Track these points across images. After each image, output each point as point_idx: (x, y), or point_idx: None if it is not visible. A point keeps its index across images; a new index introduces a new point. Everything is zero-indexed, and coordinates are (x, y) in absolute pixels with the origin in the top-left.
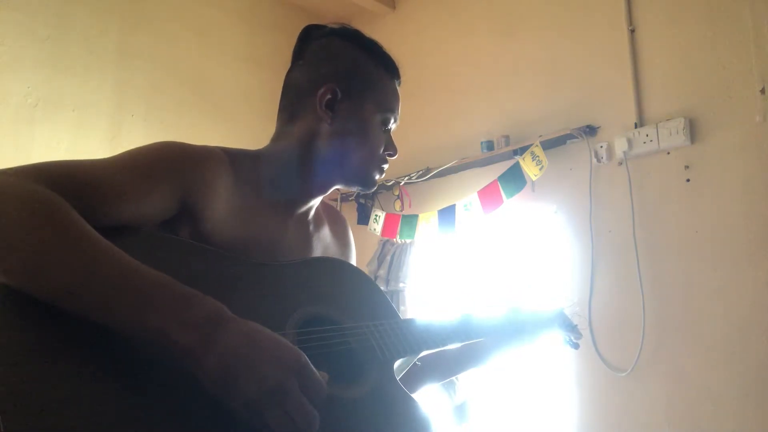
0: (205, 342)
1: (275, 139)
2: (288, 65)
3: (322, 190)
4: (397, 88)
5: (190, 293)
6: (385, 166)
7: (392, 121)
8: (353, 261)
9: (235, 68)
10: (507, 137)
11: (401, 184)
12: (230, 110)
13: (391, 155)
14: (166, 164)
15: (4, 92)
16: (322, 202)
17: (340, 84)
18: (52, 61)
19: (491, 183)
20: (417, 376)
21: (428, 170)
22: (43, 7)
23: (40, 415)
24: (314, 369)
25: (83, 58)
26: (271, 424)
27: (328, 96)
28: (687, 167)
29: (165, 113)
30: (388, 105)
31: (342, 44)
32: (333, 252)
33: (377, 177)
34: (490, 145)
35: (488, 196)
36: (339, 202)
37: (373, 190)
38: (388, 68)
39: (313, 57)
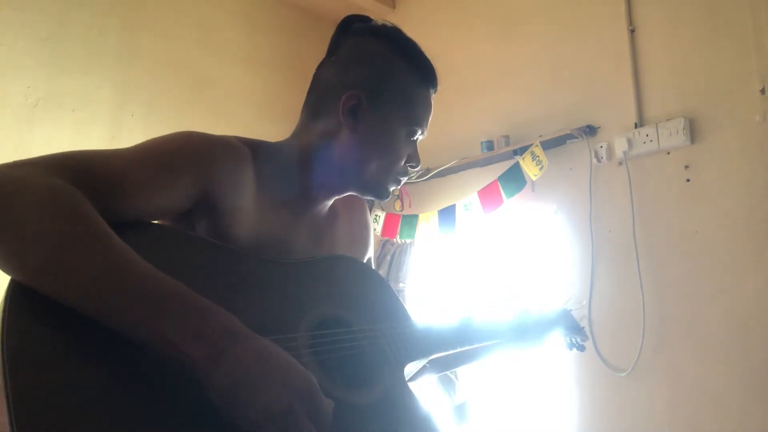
0: (216, 356)
1: (296, 134)
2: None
3: (335, 193)
4: (431, 97)
5: (205, 305)
6: (404, 178)
7: (419, 132)
8: (370, 242)
9: (235, 68)
10: (507, 137)
11: (401, 184)
12: (231, 110)
13: (412, 167)
14: (188, 156)
15: (4, 92)
16: None
17: (367, 91)
18: (52, 61)
19: (491, 183)
20: (420, 371)
21: (428, 170)
22: (43, 7)
23: (52, 419)
24: (323, 396)
25: (83, 58)
26: None
27: (353, 102)
28: (687, 167)
29: (165, 113)
30: (416, 118)
31: (377, 47)
32: (348, 241)
33: (392, 188)
34: (490, 145)
35: (488, 196)
36: None
37: (385, 201)
38: (425, 77)
39: (346, 56)
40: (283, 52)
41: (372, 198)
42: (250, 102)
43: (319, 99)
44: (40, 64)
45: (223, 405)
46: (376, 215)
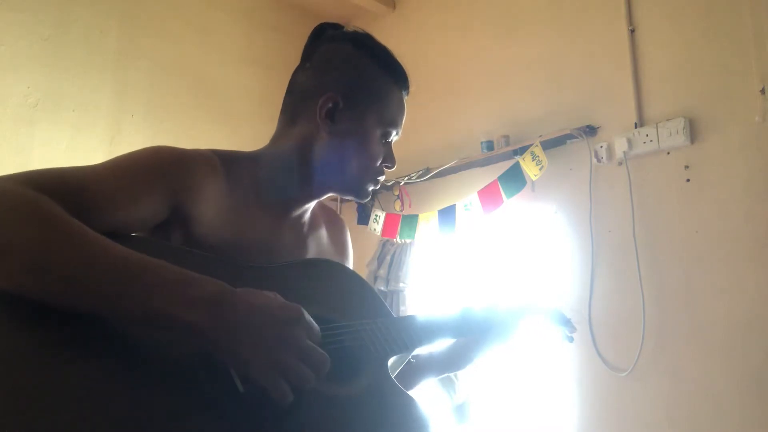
0: (213, 318)
1: (274, 140)
2: (288, 66)
3: (316, 195)
4: (404, 99)
5: (189, 274)
6: (381, 178)
7: (394, 134)
8: (350, 264)
9: (235, 68)
10: (507, 137)
11: (401, 184)
12: (231, 110)
13: (388, 167)
14: (156, 169)
15: (4, 92)
16: (321, 204)
17: (343, 94)
18: (52, 61)
19: (491, 183)
20: (413, 373)
21: (428, 170)
22: (43, 7)
23: (41, 417)
24: (310, 317)
25: (83, 58)
26: (289, 375)
27: (329, 105)
28: (687, 167)
29: (165, 113)
30: (390, 119)
31: (350, 51)
32: (328, 254)
33: (371, 189)
34: (490, 145)
35: (488, 196)
36: (339, 203)
37: (365, 201)
38: (397, 79)
39: (320, 61)
40: (283, 52)
41: (352, 198)
42: (249, 102)
43: (296, 104)
44: (40, 64)
45: (233, 362)
46: (376, 215)
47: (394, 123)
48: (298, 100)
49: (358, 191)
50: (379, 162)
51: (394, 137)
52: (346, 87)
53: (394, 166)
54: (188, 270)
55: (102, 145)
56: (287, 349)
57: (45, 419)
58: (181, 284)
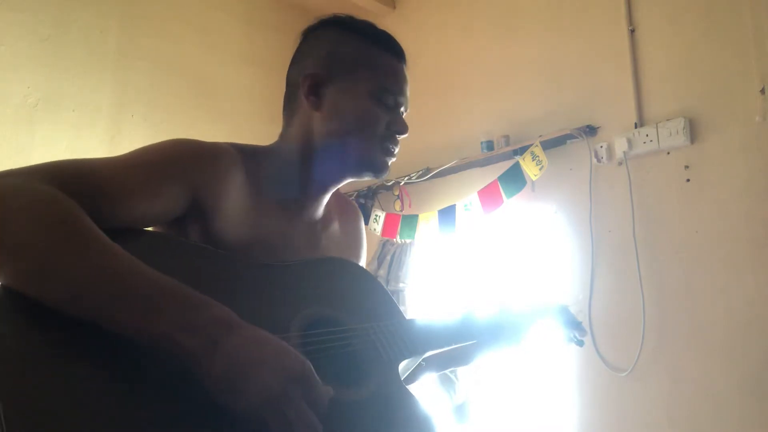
0: (210, 347)
1: (280, 138)
2: (288, 65)
3: (330, 186)
4: (395, 62)
5: (199, 298)
6: (394, 148)
7: (391, 96)
8: (363, 251)
9: (235, 68)
10: (507, 137)
11: (401, 184)
12: (231, 110)
13: (398, 132)
14: (177, 162)
15: (4, 92)
16: (335, 194)
17: (322, 69)
18: (52, 61)
19: (491, 183)
20: (419, 371)
21: (428, 170)
22: (43, 7)
23: (44, 420)
24: (318, 379)
25: (83, 58)
26: (274, 425)
27: (310, 82)
28: (687, 167)
29: (165, 113)
30: (379, 79)
31: (326, 31)
32: (341, 247)
33: (387, 159)
34: (490, 145)
35: (488, 196)
36: None
37: (385, 175)
38: (380, 44)
39: (300, 52)
40: (283, 52)
41: (370, 175)
42: (250, 102)
43: (289, 97)
44: (40, 65)
45: (220, 393)
46: (376, 215)
47: (383, 82)
48: (289, 93)
49: (371, 165)
50: (383, 126)
51: (394, 100)
52: (323, 62)
53: (405, 132)
54: (199, 291)
55: (102, 145)
56: (277, 404)
57: (46, 421)
58: (186, 307)
